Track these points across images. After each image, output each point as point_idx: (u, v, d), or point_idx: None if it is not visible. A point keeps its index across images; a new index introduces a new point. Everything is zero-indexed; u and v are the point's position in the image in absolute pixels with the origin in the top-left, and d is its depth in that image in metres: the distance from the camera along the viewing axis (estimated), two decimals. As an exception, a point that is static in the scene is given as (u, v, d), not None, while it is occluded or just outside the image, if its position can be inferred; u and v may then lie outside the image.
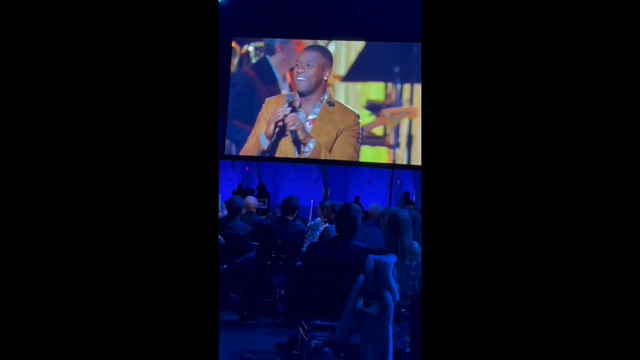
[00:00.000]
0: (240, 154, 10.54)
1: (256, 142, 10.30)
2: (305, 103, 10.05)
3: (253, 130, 10.32)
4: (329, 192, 12.09)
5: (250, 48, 10.40)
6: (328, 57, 10.20)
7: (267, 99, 10.35)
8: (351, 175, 12.67)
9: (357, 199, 10.89)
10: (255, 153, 10.34)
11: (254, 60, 10.31)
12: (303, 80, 9.91)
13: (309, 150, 10.00)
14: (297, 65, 10.07)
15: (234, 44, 10.42)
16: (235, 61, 10.45)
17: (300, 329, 3.82)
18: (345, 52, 10.29)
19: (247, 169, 13.30)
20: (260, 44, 10.34)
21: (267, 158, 10.69)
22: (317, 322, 3.64)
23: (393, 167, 10.26)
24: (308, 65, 9.97)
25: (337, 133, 9.92)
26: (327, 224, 5.90)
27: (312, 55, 10.12)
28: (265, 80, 10.24)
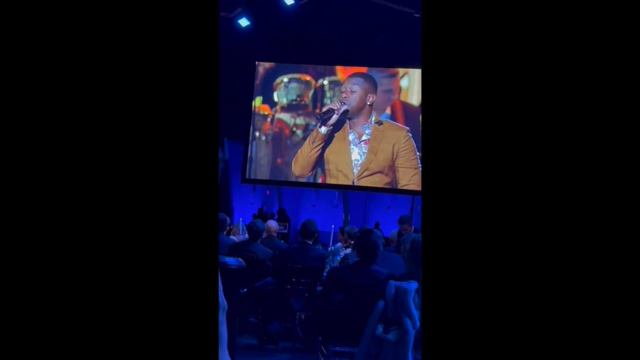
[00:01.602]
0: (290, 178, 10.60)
1: (300, 160, 10.38)
2: (354, 126, 10.15)
3: (299, 152, 10.41)
4: (349, 218, 12.08)
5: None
6: (371, 83, 10.29)
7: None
8: (372, 201, 12.66)
9: (377, 225, 10.87)
10: (303, 169, 10.39)
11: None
12: (348, 104, 10.04)
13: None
14: (341, 91, 10.22)
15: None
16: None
17: (320, 355, 3.80)
18: (418, 82, 10.31)
19: (267, 193, 13.35)
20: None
21: (288, 182, 10.74)
22: (337, 348, 3.62)
23: (414, 193, 10.24)
24: (352, 91, 10.13)
25: (393, 150, 9.96)
26: (347, 250, 5.90)
27: (356, 81, 10.25)
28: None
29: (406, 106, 10.24)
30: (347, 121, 10.14)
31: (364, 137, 10.09)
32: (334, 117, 10.05)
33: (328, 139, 10.21)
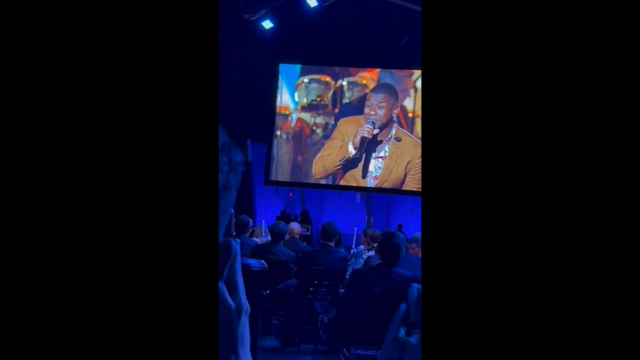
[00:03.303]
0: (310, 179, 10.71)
1: (323, 164, 10.46)
2: (374, 141, 10.24)
3: (322, 152, 10.51)
4: (372, 220, 12.05)
5: (344, 82, 10.69)
6: (394, 95, 10.33)
7: (341, 119, 10.49)
8: (395, 204, 12.62)
9: (400, 228, 10.84)
10: (322, 175, 10.48)
11: (347, 95, 10.59)
12: (377, 121, 10.08)
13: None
14: (367, 106, 10.25)
15: (329, 79, 10.70)
16: (329, 94, 10.75)
17: (342, 357, 3.80)
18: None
19: (290, 195, 13.38)
20: (354, 78, 10.64)
21: (311, 185, 10.80)
22: (359, 351, 3.61)
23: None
24: (379, 106, 10.19)
25: (406, 167, 10.03)
26: (369, 252, 5.89)
27: (382, 96, 10.28)
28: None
29: (405, 112, 10.28)
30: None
31: (381, 154, 10.13)
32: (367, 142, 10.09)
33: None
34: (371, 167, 10.15)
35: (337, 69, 10.70)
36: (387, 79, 10.43)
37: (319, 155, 10.49)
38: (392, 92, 10.32)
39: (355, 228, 7.72)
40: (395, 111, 10.17)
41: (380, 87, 10.42)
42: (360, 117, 10.26)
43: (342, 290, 5.02)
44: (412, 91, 10.38)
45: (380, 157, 10.15)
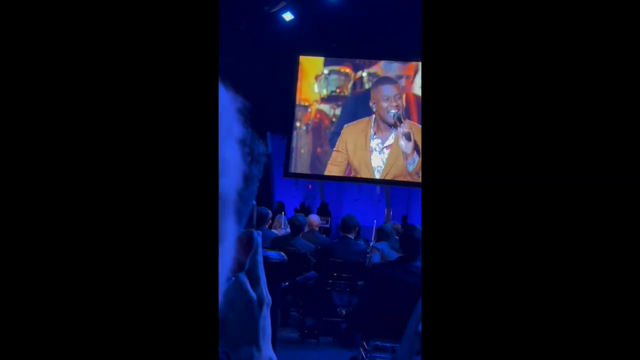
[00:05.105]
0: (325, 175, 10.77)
1: (340, 168, 10.49)
2: (381, 131, 10.24)
3: (332, 158, 10.53)
4: (391, 213, 12.02)
5: (364, 74, 10.69)
6: (397, 83, 10.42)
7: (345, 125, 10.50)
8: (414, 196, 12.57)
9: (404, 219, 10.84)
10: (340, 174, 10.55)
11: (367, 86, 10.61)
12: (397, 113, 10.16)
13: (412, 163, 10.12)
14: (384, 99, 10.29)
15: (349, 70, 10.69)
16: (349, 85, 10.75)
17: (361, 350, 3.79)
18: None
19: (310, 187, 13.38)
20: (374, 69, 10.65)
21: (330, 177, 10.81)
22: (378, 343, 3.61)
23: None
24: (397, 97, 10.23)
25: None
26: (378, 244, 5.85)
27: (394, 88, 10.35)
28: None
29: (419, 100, 10.17)
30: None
31: (387, 142, 10.16)
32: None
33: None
34: (378, 162, 10.25)
35: (357, 60, 10.69)
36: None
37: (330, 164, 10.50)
38: (397, 82, 10.43)
39: (375, 221, 7.69)
40: (405, 99, 10.27)
41: (385, 80, 10.49)
42: (364, 120, 10.28)
43: (360, 283, 5.02)
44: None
45: (387, 146, 10.22)
